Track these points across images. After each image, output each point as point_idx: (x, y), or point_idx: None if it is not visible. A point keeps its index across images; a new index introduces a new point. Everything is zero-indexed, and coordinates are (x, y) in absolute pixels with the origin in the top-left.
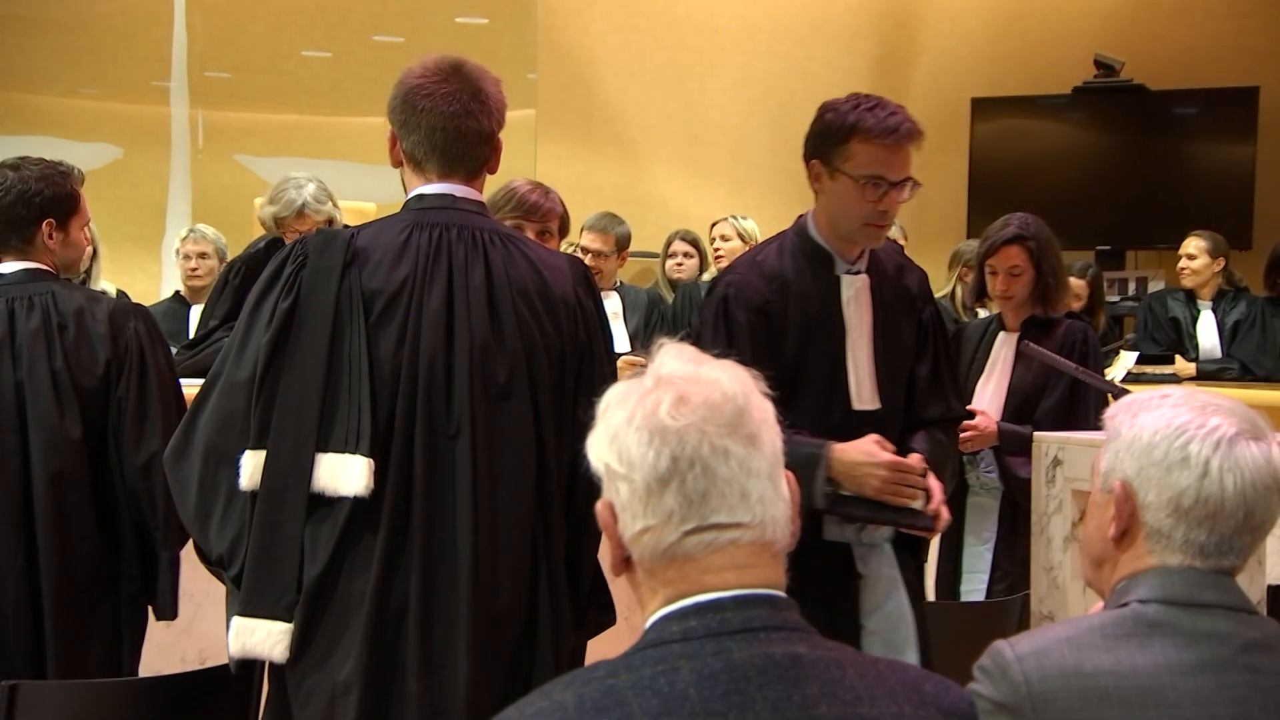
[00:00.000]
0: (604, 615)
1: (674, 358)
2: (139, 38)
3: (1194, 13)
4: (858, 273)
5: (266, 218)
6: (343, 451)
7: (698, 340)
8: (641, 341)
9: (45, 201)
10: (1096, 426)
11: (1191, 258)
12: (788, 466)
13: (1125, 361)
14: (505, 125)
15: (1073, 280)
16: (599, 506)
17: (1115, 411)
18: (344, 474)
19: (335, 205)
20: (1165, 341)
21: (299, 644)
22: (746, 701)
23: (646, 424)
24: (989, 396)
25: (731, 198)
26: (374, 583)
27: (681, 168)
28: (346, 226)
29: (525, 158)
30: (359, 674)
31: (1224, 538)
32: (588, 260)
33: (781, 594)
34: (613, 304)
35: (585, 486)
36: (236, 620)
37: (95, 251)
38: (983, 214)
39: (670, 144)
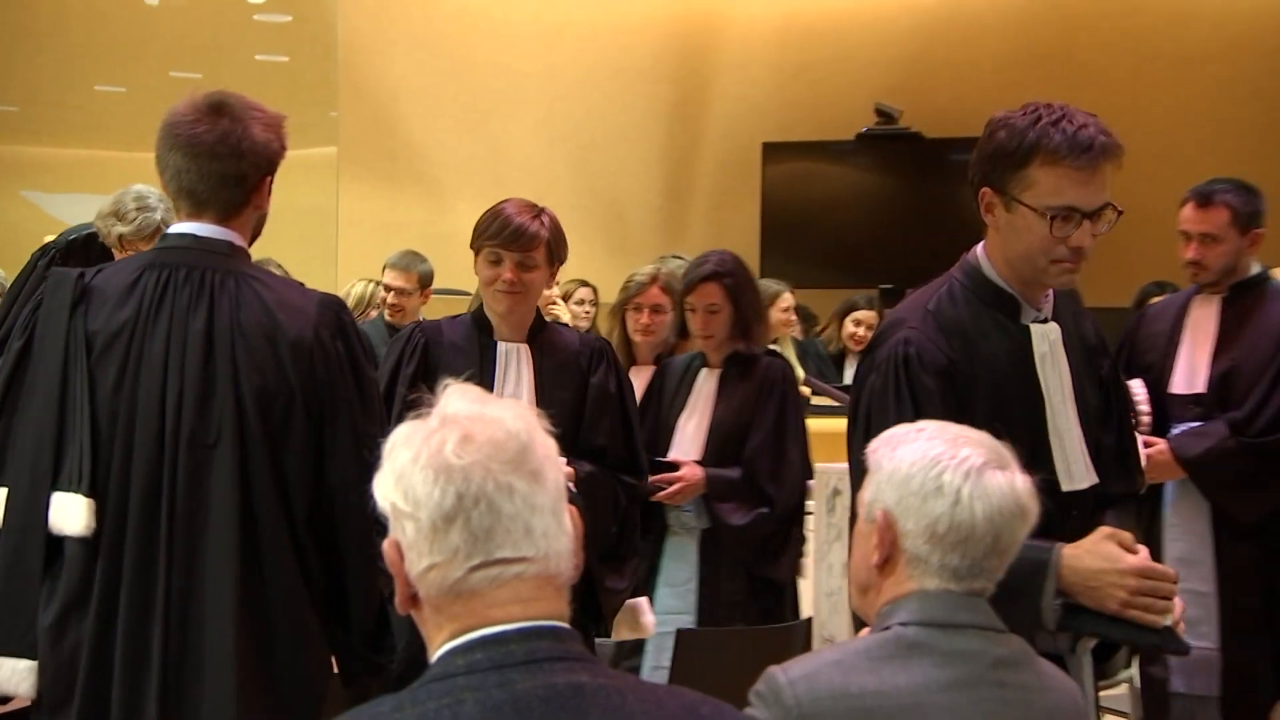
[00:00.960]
0: (383, 657)
1: (459, 397)
2: None
3: (963, 66)
4: (1046, 320)
5: (112, 234)
6: (68, 490)
7: (869, 412)
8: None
9: None
10: (804, 462)
11: None
12: (1011, 574)
13: None
14: (305, 162)
15: (865, 312)
16: (385, 545)
17: (876, 445)
18: (67, 513)
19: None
20: None
21: (42, 691)
22: None
23: (431, 463)
24: (690, 434)
25: None
26: (90, 628)
27: (486, 206)
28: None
29: (328, 194)
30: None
31: (975, 561)
32: (390, 298)
33: (565, 625)
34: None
35: (349, 533)
36: None
37: None
38: (775, 255)
39: (474, 183)
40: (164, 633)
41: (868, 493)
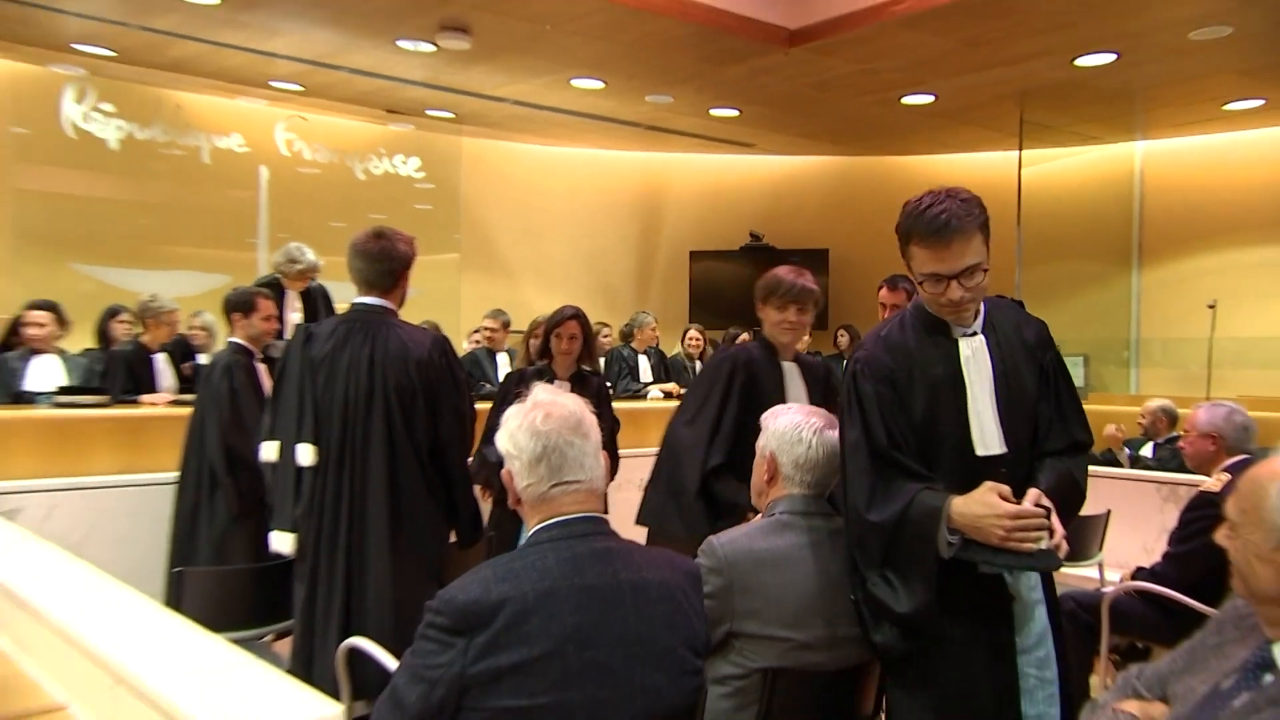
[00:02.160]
0: (477, 534)
1: (542, 391)
2: None
3: (799, 207)
4: (974, 334)
5: (292, 271)
6: (303, 442)
7: (839, 410)
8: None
9: None
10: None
11: None
12: (914, 521)
13: None
14: (441, 263)
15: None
16: (503, 473)
17: (767, 417)
18: (303, 454)
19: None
20: None
21: (296, 550)
22: (581, 570)
23: (528, 428)
24: None
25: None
26: (314, 515)
27: (539, 285)
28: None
29: (454, 280)
30: (306, 571)
31: (818, 479)
32: (486, 333)
33: (602, 515)
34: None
35: (451, 464)
36: (271, 532)
37: None
38: (698, 310)
39: (532, 271)
40: (349, 517)
41: (761, 441)
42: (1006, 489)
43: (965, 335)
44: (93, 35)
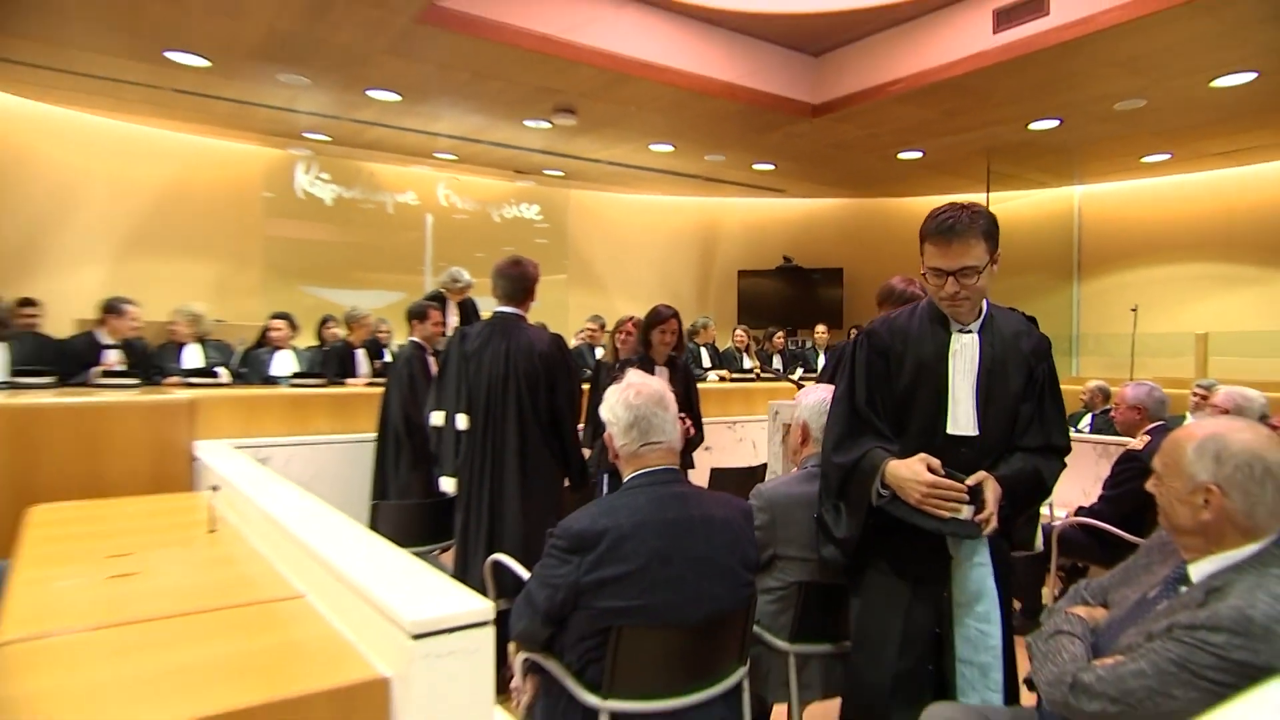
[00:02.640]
0: (585, 480)
1: (635, 374)
2: None
3: (819, 237)
4: (970, 332)
5: (454, 288)
6: (460, 412)
7: (839, 366)
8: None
9: None
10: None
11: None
12: (862, 470)
13: None
14: (548, 283)
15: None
16: (605, 436)
17: (799, 395)
18: (461, 421)
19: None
20: None
21: (456, 491)
22: (663, 508)
23: (623, 402)
24: None
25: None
26: (465, 465)
27: (629, 298)
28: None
29: (563, 293)
30: (462, 505)
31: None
32: (587, 334)
33: (678, 468)
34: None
35: (565, 431)
36: (439, 477)
37: None
38: (745, 316)
39: (624, 287)
40: (492, 467)
41: (795, 413)
42: (936, 462)
43: (961, 331)
44: (315, 127)
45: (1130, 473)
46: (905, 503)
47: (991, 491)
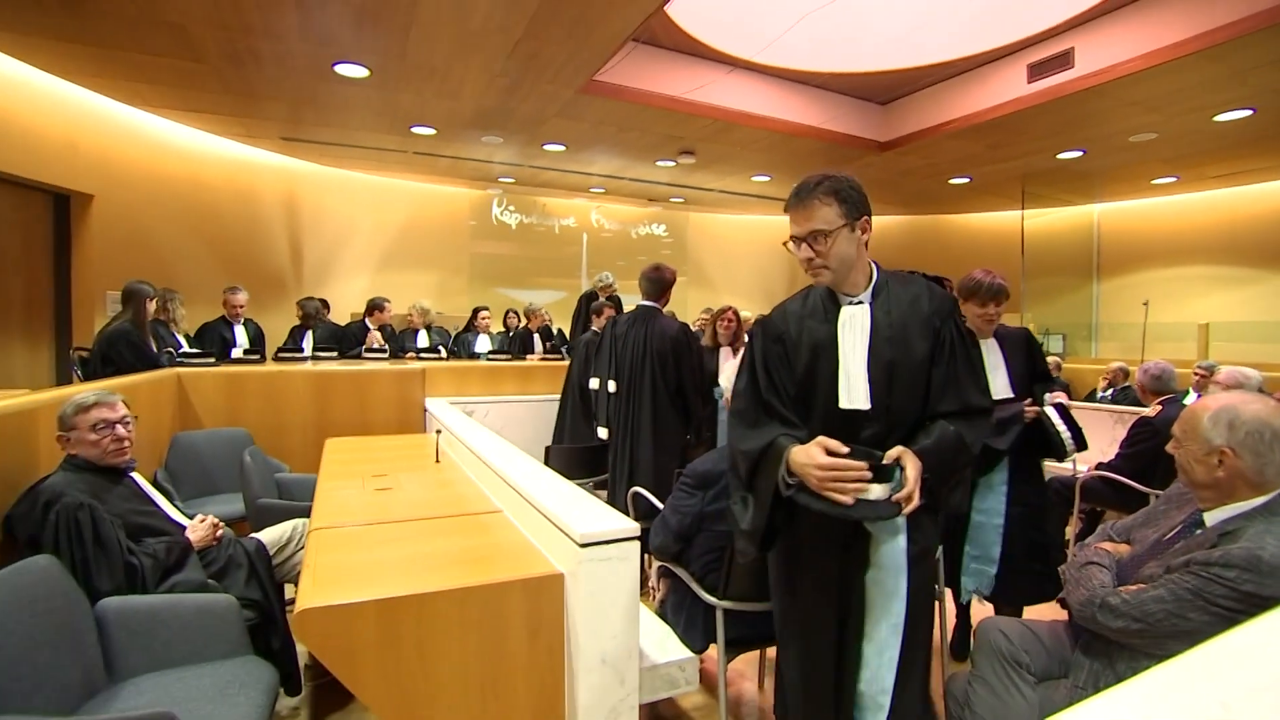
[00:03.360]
0: (700, 436)
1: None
2: None
3: (884, 243)
4: (859, 303)
5: (600, 287)
6: (610, 379)
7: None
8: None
9: None
10: None
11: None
12: (769, 459)
13: None
14: (673, 280)
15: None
16: (730, 396)
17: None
18: (611, 385)
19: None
20: None
21: (608, 438)
22: None
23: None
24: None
25: (737, 297)
26: (613, 425)
27: (731, 297)
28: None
29: (682, 294)
30: (612, 448)
31: None
32: (701, 321)
33: None
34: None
35: (690, 394)
36: (596, 427)
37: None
38: None
39: (732, 285)
40: (632, 421)
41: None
42: (835, 444)
43: (850, 303)
44: (505, 173)
45: (1143, 435)
46: (808, 489)
47: (912, 467)
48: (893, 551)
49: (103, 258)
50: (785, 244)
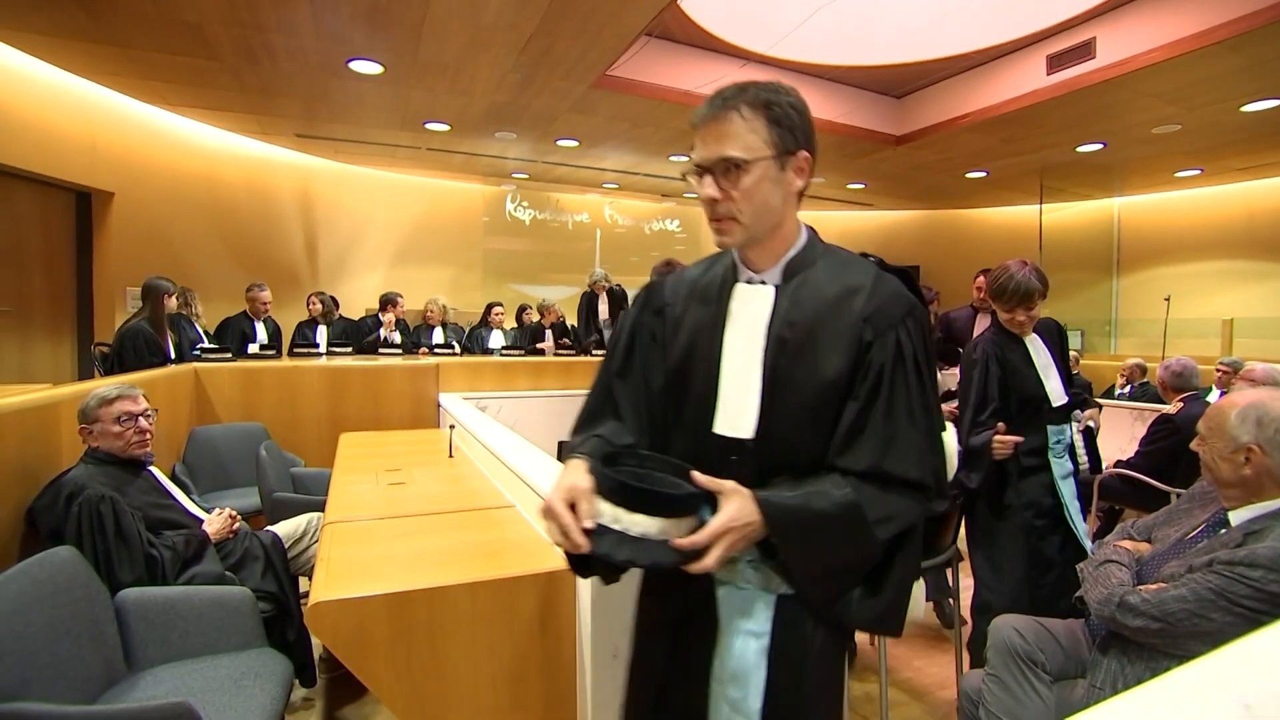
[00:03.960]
0: None
1: None
2: None
3: (900, 236)
4: (761, 283)
5: (591, 283)
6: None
7: None
8: None
9: None
10: None
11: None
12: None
13: None
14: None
15: None
16: None
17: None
18: None
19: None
20: None
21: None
22: None
23: None
24: None
25: None
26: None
27: None
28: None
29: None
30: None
31: None
32: None
33: None
34: None
35: None
36: None
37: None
38: None
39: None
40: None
41: None
42: (580, 486)
43: (749, 281)
44: (519, 168)
45: (1164, 433)
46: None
47: (727, 514)
48: (742, 651)
49: (123, 254)
50: (685, 175)
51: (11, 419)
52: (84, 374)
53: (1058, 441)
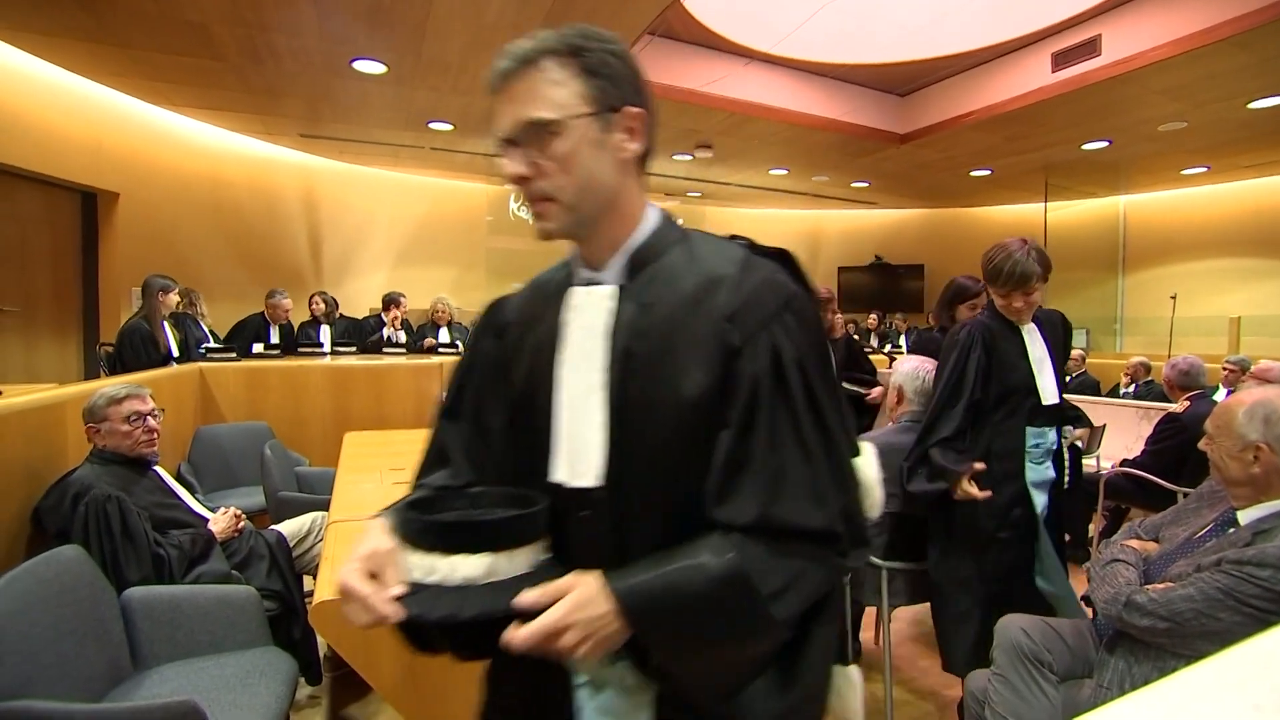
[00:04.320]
0: None
1: None
2: None
3: (898, 240)
4: (598, 283)
5: None
6: None
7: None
8: None
9: None
10: None
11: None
12: None
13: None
14: None
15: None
16: None
17: (897, 362)
18: None
19: None
20: None
21: None
22: None
23: None
24: None
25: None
26: None
27: None
28: None
29: None
30: None
31: (925, 402)
32: None
33: None
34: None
35: None
36: None
37: None
38: (842, 301)
39: None
40: None
41: (893, 378)
42: (380, 556)
43: (585, 281)
44: None
45: (1171, 431)
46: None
47: (561, 610)
48: None
49: (128, 254)
50: (493, 155)
51: (17, 419)
52: (89, 374)
53: (1036, 445)
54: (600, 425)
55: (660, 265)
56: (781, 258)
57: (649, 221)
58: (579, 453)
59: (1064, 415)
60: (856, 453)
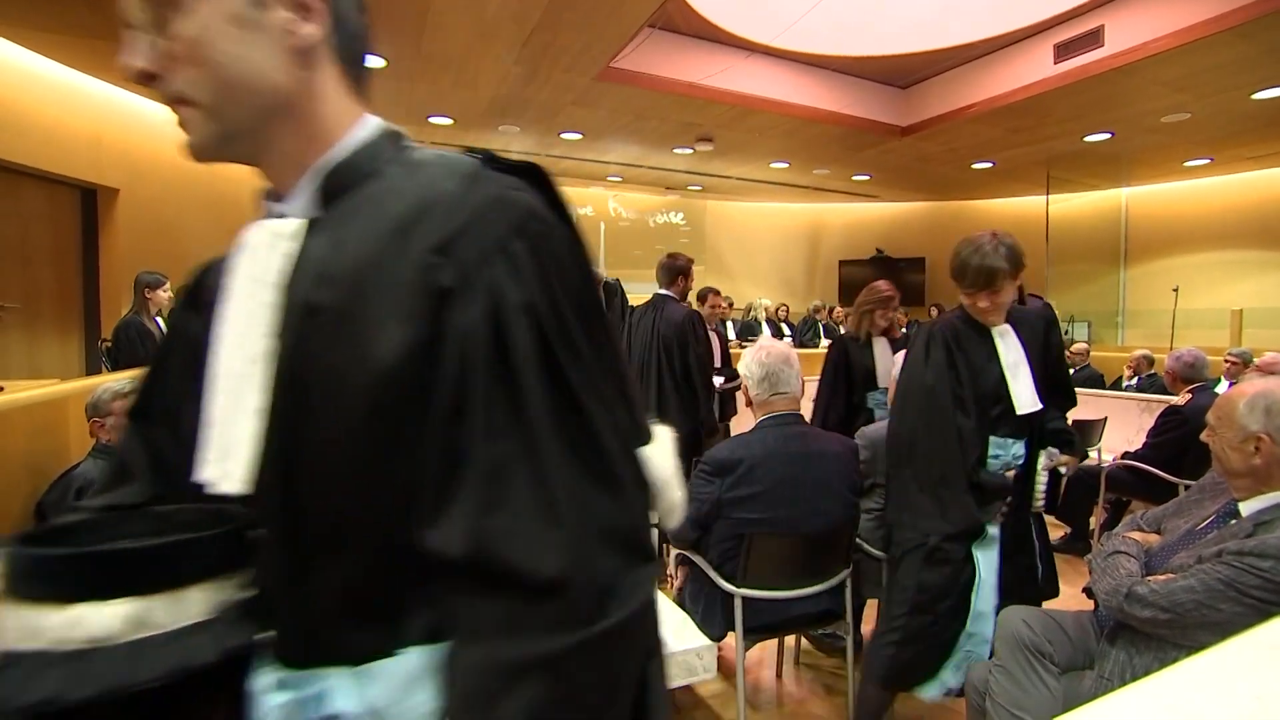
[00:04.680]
0: (705, 425)
1: (766, 338)
2: None
3: (899, 234)
4: (279, 215)
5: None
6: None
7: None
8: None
9: None
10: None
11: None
12: None
13: None
14: (686, 267)
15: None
16: (742, 386)
17: (898, 358)
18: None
19: None
20: None
21: None
22: (787, 443)
23: (757, 360)
24: None
25: (774, 290)
26: None
27: (745, 287)
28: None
29: (698, 283)
30: None
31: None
32: (707, 309)
33: (799, 413)
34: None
35: (696, 380)
36: None
37: None
38: (847, 296)
39: (745, 272)
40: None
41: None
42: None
43: (268, 217)
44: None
45: (1172, 424)
46: None
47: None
48: None
49: (129, 250)
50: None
51: (20, 414)
52: (91, 369)
53: (996, 457)
54: (250, 410)
55: (368, 192)
56: (529, 173)
57: (356, 133)
58: (225, 446)
59: (1044, 428)
60: (644, 440)
